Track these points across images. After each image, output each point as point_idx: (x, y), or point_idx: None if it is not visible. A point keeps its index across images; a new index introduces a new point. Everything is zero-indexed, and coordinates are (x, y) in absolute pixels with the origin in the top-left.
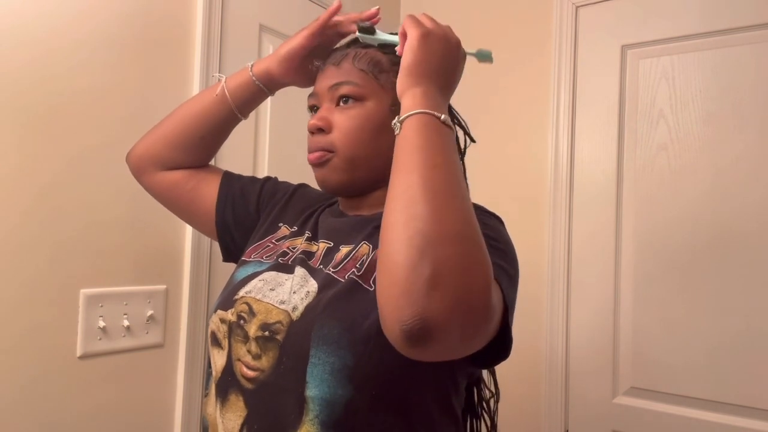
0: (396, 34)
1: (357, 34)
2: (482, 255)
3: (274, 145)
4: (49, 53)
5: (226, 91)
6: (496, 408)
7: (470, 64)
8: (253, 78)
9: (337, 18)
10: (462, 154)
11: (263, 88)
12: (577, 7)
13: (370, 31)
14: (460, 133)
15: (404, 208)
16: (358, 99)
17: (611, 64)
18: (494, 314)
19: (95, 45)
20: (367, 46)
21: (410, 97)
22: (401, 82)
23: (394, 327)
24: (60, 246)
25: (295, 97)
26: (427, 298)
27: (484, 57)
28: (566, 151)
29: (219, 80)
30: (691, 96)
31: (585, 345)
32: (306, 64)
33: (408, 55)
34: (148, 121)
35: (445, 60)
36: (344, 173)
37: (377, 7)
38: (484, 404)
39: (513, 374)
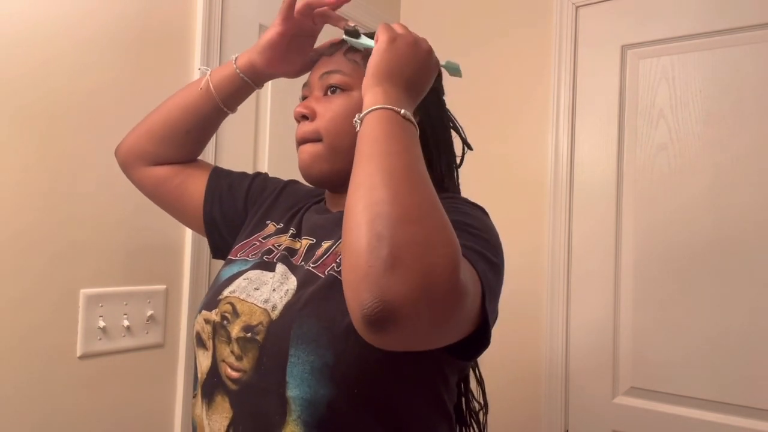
0: None
1: (343, 36)
2: (445, 235)
3: (275, 142)
4: (50, 55)
5: (210, 85)
6: (486, 421)
7: (471, 62)
8: (238, 71)
9: (320, 10)
10: (461, 162)
11: (249, 81)
12: (577, 7)
13: (355, 34)
14: (458, 141)
15: (364, 195)
16: (345, 89)
17: (611, 64)
18: (465, 297)
19: (96, 46)
20: (352, 48)
21: (371, 95)
22: (364, 83)
23: (356, 313)
24: (60, 246)
25: (295, 93)
26: (386, 279)
27: (453, 70)
28: (566, 151)
29: (204, 74)
30: (691, 96)
31: (585, 345)
32: (289, 54)
33: (374, 57)
34: None
35: (411, 63)
36: (325, 162)
37: None
38: (473, 415)
39: (513, 374)
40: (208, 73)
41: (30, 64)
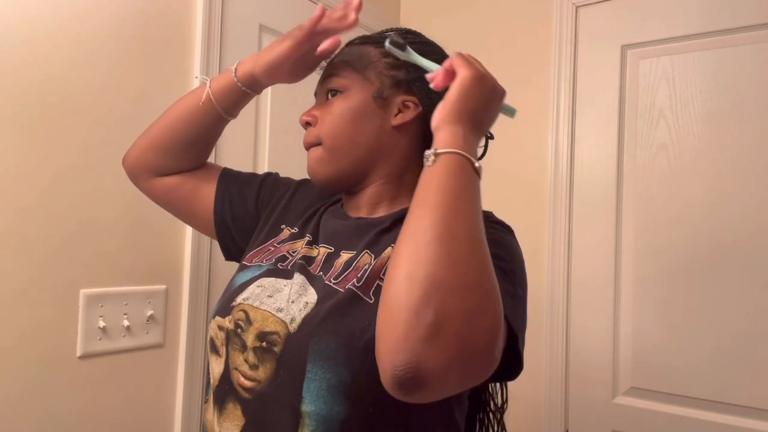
0: (437, 60)
1: (386, 44)
2: (492, 305)
3: (275, 143)
4: (49, 53)
5: (211, 95)
6: (502, 419)
7: (466, 48)
8: (238, 82)
9: (322, 23)
10: (483, 153)
11: (249, 91)
12: (577, 7)
13: (401, 47)
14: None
15: (418, 248)
16: (342, 90)
17: (611, 64)
18: (496, 363)
19: (95, 45)
20: (389, 55)
21: (450, 134)
22: (442, 114)
23: (386, 370)
24: (60, 246)
25: (296, 94)
26: (425, 347)
27: (509, 112)
28: (566, 151)
29: (203, 83)
30: (691, 96)
31: (585, 345)
32: (294, 68)
33: (458, 91)
34: (148, 121)
35: (488, 107)
36: (328, 164)
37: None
38: (491, 414)
39: None
40: (208, 83)
41: (29, 62)
